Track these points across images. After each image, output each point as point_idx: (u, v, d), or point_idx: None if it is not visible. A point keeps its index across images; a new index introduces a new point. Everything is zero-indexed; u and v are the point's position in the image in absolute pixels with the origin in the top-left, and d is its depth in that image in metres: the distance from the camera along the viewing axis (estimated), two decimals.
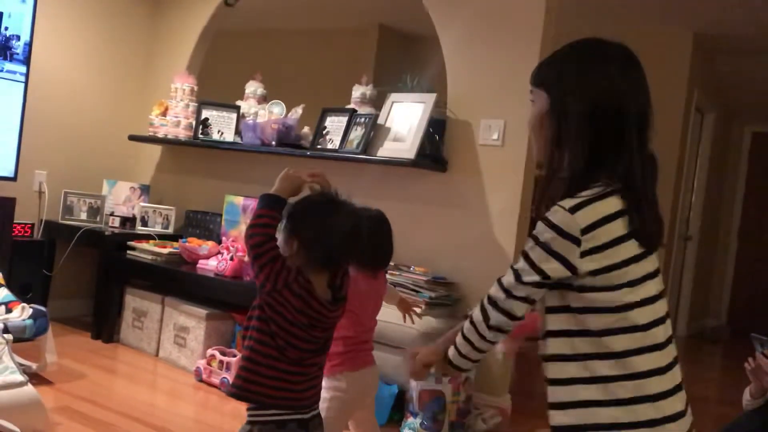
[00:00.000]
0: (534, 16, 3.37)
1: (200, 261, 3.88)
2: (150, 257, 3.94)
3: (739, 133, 7.69)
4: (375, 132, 3.59)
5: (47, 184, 4.29)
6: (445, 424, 3.04)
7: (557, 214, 1.30)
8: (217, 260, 3.79)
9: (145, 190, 4.52)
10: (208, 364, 3.54)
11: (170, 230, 4.35)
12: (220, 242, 3.94)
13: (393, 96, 3.65)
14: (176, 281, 3.86)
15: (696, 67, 5.44)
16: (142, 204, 4.40)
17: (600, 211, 1.29)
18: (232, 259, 3.70)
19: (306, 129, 3.98)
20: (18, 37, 3.74)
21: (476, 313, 1.43)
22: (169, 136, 4.33)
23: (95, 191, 4.40)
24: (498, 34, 3.48)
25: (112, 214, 4.30)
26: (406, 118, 3.54)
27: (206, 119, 4.17)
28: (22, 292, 3.68)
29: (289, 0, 5.63)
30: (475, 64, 3.54)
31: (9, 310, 3.15)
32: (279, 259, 1.60)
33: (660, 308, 1.34)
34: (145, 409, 3.10)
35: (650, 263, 1.34)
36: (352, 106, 3.77)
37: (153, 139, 4.42)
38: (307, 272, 1.64)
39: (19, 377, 2.65)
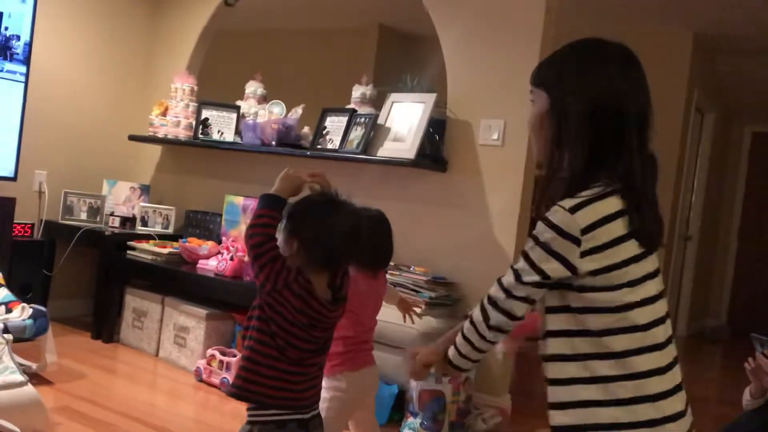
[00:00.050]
0: (534, 16, 3.37)
1: (200, 261, 3.88)
2: (150, 257, 3.95)
3: (739, 133, 7.69)
4: (375, 132, 3.59)
5: (47, 184, 4.29)
6: (445, 424, 3.04)
7: (557, 214, 1.30)
8: (217, 260, 3.79)
9: (145, 190, 4.52)
10: (208, 364, 3.54)
11: (170, 230, 4.35)
12: (220, 242, 3.94)
13: (393, 96, 3.65)
14: (176, 281, 3.86)
15: (696, 67, 5.44)
16: (142, 204, 4.40)
17: (600, 211, 1.29)
18: (232, 259, 3.70)
19: (306, 129, 3.98)
20: (18, 37, 3.74)
21: (476, 313, 1.43)
22: (169, 136, 4.33)
23: (95, 191, 4.41)
24: (498, 34, 3.48)
25: (112, 214, 4.31)
26: (406, 118, 3.54)
27: (206, 119, 4.17)
28: (22, 292, 3.68)
29: (289, 0, 5.63)
30: (475, 64, 3.54)
31: (9, 310, 3.15)
32: (279, 259, 1.60)
33: (660, 308, 1.34)
34: (145, 409, 3.11)
35: (650, 263, 1.34)
36: (352, 106, 3.77)
37: (153, 139, 4.42)
38: (307, 272, 1.64)
39: (19, 377, 2.65)
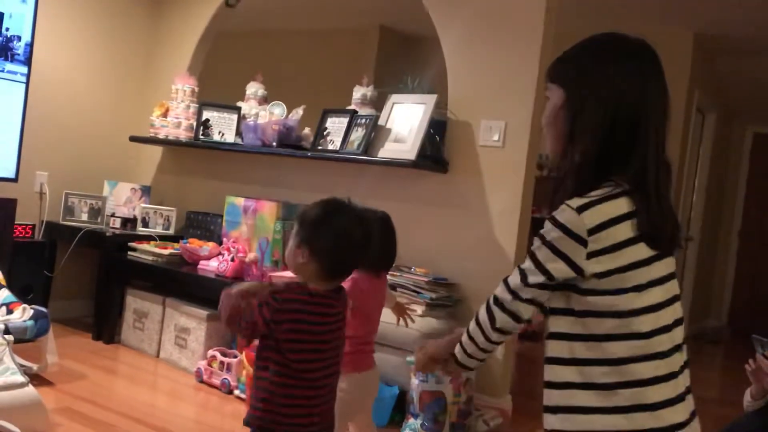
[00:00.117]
0: (534, 16, 3.37)
1: (201, 262, 3.88)
2: (151, 258, 3.95)
3: (740, 133, 7.69)
4: (376, 133, 3.59)
5: (48, 185, 4.29)
6: (446, 425, 3.03)
7: (564, 212, 1.28)
8: (217, 261, 3.79)
9: (146, 191, 4.52)
10: (209, 365, 3.55)
11: (171, 231, 4.35)
12: (220, 243, 3.94)
13: (394, 97, 3.65)
14: (177, 282, 3.86)
15: (697, 68, 5.44)
16: (143, 205, 4.40)
17: (608, 212, 1.26)
18: (233, 260, 3.70)
19: (307, 130, 3.98)
20: (19, 38, 3.74)
21: (482, 314, 1.41)
22: (170, 137, 4.33)
23: (96, 192, 4.41)
24: (498, 34, 3.48)
25: (113, 215, 4.31)
26: (406, 119, 3.54)
27: (207, 120, 4.17)
28: (23, 293, 3.68)
29: (289, 1, 5.63)
30: (475, 65, 3.54)
31: (10, 311, 3.15)
32: (257, 325, 1.60)
33: (667, 315, 1.30)
34: (146, 410, 3.11)
35: (661, 268, 1.31)
36: (352, 107, 3.77)
37: (154, 140, 4.42)
38: (313, 282, 1.64)
39: (20, 378, 2.65)
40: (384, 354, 2.96)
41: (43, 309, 3.19)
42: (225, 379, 3.45)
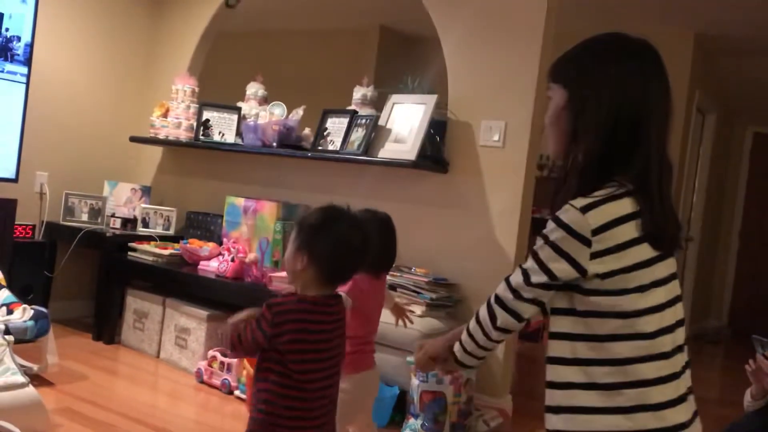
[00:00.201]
0: (534, 16, 3.37)
1: (201, 262, 3.88)
2: (151, 258, 3.95)
3: (740, 133, 7.69)
4: (376, 133, 3.59)
5: (48, 185, 4.29)
6: (446, 425, 3.03)
7: (568, 212, 1.27)
8: (218, 261, 3.79)
9: (146, 191, 4.52)
10: (209, 365, 3.54)
11: (171, 231, 4.35)
12: (221, 243, 3.94)
13: (394, 97, 3.65)
14: (177, 282, 3.86)
15: (697, 68, 5.44)
16: (143, 205, 4.40)
17: (612, 212, 1.26)
18: (233, 260, 3.70)
19: (307, 130, 3.98)
20: (18, 38, 3.74)
21: (483, 312, 1.41)
22: (170, 138, 4.33)
23: (96, 192, 4.41)
24: (498, 34, 3.48)
25: (113, 216, 4.31)
26: (407, 119, 3.54)
27: (207, 120, 4.17)
28: (23, 293, 3.68)
29: (289, 1, 5.63)
30: (475, 65, 3.54)
31: (10, 312, 3.15)
32: (258, 341, 1.61)
33: (669, 316, 1.30)
34: (146, 411, 3.11)
35: (663, 268, 1.30)
36: (353, 107, 3.77)
37: (154, 141, 4.42)
38: (311, 287, 1.64)
39: (21, 378, 2.65)
40: (384, 354, 2.96)
41: (44, 309, 3.19)
42: (225, 379, 3.45)
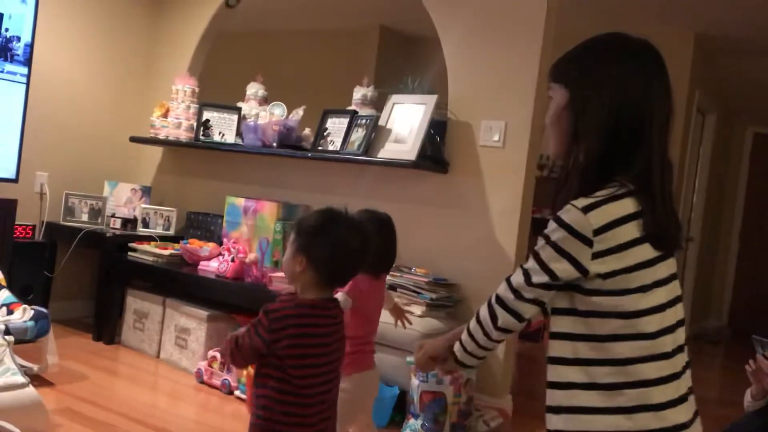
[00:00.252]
0: (534, 16, 3.37)
1: (201, 262, 3.88)
2: (151, 259, 3.95)
3: (740, 133, 7.69)
4: (376, 133, 3.59)
5: (48, 185, 4.29)
6: (446, 425, 3.03)
7: (569, 212, 1.27)
8: (218, 262, 3.79)
9: (146, 191, 4.52)
10: (209, 365, 3.54)
11: (171, 232, 4.35)
12: (221, 244, 3.94)
13: (394, 97, 3.65)
14: (177, 283, 3.86)
15: (697, 68, 5.44)
16: (144, 205, 4.40)
17: (614, 212, 1.26)
18: (233, 260, 3.70)
19: (307, 130, 3.98)
20: (18, 38, 3.74)
21: (483, 312, 1.40)
22: (170, 138, 4.33)
23: (96, 193, 4.41)
24: (498, 34, 3.48)
25: (113, 216, 4.31)
26: (407, 119, 3.54)
27: (207, 121, 4.17)
28: (23, 293, 3.68)
29: (290, 1, 5.63)
30: (475, 65, 3.54)
31: (10, 312, 3.15)
32: (257, 348, 1.61)
33: (670, 316, 1.30)
34: (146, 411, 3.11)
35: (664, 268, 1.30)
36: (353, 107, 3.77)
37: (154, 141, 4.42)
38: (310, 290, 1.65)
39: (21, 379, 2.65)
40: (384, 354, 2.96)
41: (44, 309, 3.19)
42: (225, 379, 3.45)
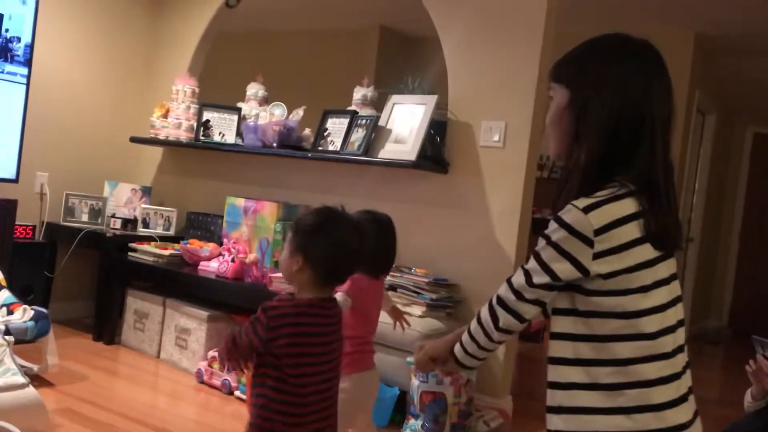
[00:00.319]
0: (535, 17, 3.37)
1: (201, 263, 3.88)
2: (151, 259, 3.95)
3: (740, 134, 7.69)
4: (376, 134, 3.59)
5: (49, 185, 4.29)
6: (447, 425, 3.03)
7: (570, 213, 1.27)
8: (218, 262, 3.79)
9: (146, 191, 4.53)
10: (210, 365, 3.54)
11: (171, 232, 4.35)
12: (221, 244, 3.94)
13: (394, 98, 3.65)
14: (177, 283, 3.86)
15: (697, 68, 5.44)
16: (144, 206, 4.41)
17: (614, 212, 1.26)
18: (233, 260, 3.70)
19: (307, 131, 3.98)
20: (18, 39, 3.74)
21: (484, 313, 1.40)
22: (171, 138, 4.33)
23: (97, 193, 4.41)
24: (498, 34, 3.48)
25: (113, 216, 4.31)
26: (407, 119, 3.54)
27: (207, 121, 4.17)
28: (23, 293, 3.68)
29: (289, 1, 5.63)
30: (475, 65, 3.54)
31: (10, 312, 3.15)
32: (254, 344, 1.61)
33: (671, 316, 1.30)
34: (146, 411, 3.11)
35: (664, 268, 1.30)
36: (353, 107, 3.77)
37: (154, 141, 4.42)
38: (307, 289, 1.65)
39: (21, 379, 2.65)
40: (384, 354, 2.96)
41: (44, 310, 3.19)
42: (225, 380, 3.45)
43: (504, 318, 1.37)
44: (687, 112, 5.40)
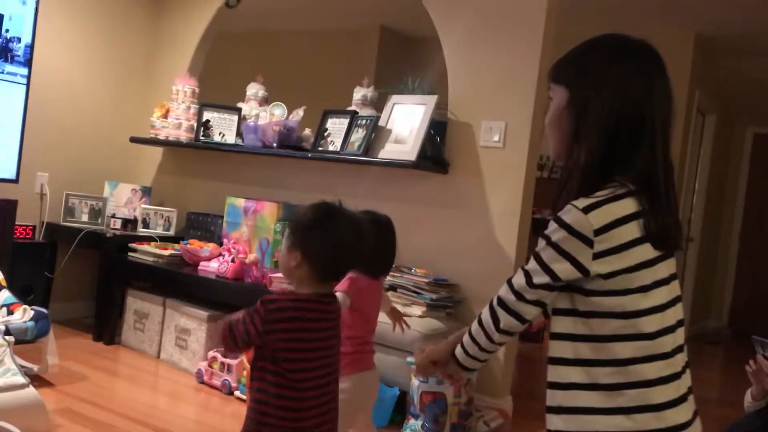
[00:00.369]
0: (535, 17, 3.37)
1: (201, 263, 3.88)
2: (151, 259, 3.95)
3: (740, 134, 7.69)
4: (376, 134, 3.59)
5: (49, 185, 4.29)
6: (447, 426, 3.03)
7: (570, 213, 1.27)
8: (218, 262, 3.79)
9: (146, 191, 4.53)
10: (210, 366, 3.55)
11: (171, 232, 4.35)
12: (221, 244, 3.94)
13: (394, 98, 3.65)
14: (177, 283, 3.86)
15: (697, 68, 5.44)
16: (144, 206, 4.41)
17: (614, 212, 1.26)
18: (233, 261, 3.71)
19: (307, 131, 3.98)
20: (18, 39, 3.74)
21: (485, 315, 1.40)
22: (171, 138, 4.33)
23: (97, 193, 4.41)
24: (498, 34, 3.48)
25: (113, 216, 4.31)
26: (407, 119, 3.54)
27: (207, 121, 4.17)
28: (23, 294, 3.68)
29: (290, 1, 5.63)
30: (475, 65, 3.54)
31: (10, 312, 3.15)
32: (251, 335, 1.61)
33: (670, 316, 1.30)
34: (146, 411, 3.11)
35: (664, 268, 1.30)
36: (353, 107, 3.77)
37: (154, 141, 4.42)
38: (305, 285, 1.65)
39: (21, 379, 2.65)
40: (384, 355, 2.96)
41: (44, 310, 3.19)
42: (225, 380, 3.45)
43: (505, 319, 1.37)
44: (687, 112, 5.41)
